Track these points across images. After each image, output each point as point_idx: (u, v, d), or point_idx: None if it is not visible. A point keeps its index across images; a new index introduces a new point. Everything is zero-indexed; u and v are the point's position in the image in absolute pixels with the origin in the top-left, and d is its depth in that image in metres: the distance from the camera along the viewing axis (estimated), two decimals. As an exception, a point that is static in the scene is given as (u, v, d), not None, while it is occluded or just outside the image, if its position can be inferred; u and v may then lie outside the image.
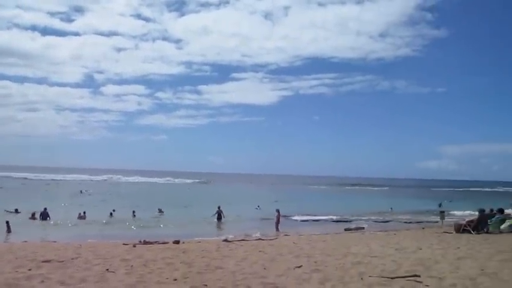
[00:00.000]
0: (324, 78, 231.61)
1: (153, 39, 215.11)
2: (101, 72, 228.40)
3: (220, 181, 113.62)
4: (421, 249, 13.64)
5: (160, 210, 32.61)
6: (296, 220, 30.12)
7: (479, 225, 18.68)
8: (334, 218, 31.02)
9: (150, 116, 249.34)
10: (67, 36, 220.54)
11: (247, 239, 18.71)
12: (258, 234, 20.97)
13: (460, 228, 19.01)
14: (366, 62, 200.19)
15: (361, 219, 30.33)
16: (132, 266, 10.60)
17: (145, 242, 15.99)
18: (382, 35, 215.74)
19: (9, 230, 21.47)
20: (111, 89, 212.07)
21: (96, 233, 21.50)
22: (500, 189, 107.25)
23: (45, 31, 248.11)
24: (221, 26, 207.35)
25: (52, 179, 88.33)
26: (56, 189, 60.41)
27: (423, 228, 24.13)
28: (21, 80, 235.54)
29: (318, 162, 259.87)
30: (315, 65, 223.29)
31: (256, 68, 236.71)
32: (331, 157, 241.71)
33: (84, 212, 28.08)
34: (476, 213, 20.18)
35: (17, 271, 9.62)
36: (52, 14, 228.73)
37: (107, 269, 9.99)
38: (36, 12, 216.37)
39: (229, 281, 8.95)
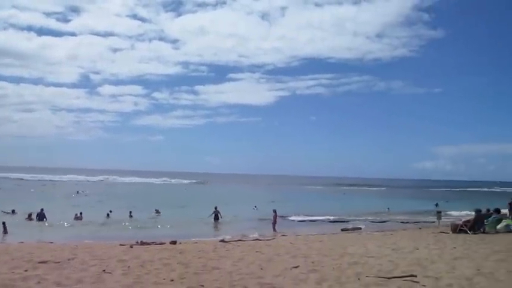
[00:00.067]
0: (321, 78, 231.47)
1: (150, 40, 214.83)
2: (97, 72, 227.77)
3: (217, 181, 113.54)
4: (417, 249, 13.67)
5: (157, 211, 32.56)
6: (293, 220, 30.12)
7: (476, 225, 18.75)
8: (331, 218, 31.03)
9: (146, 116, 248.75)
10: (63, 37, 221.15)
11: (244, 239, 18.72)
12: (255, 235, 20.98)
13: (457, 229, 19.06)
14: (363, 62, 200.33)
15: (358, 220, 30.34)
16: (129, 266, 10.58)
17: (142, 243, 15.96)
18: (379, 36, 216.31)
19: (5, 231, 21.43)
20: (107, 89, 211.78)
21: (93, 234, 21.46)
22: (497, 189, 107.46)
23: (41, 31, 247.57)
24: (218, 27, 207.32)
25: (48, 180, 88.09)
26: (52, 189, 60.25)
27: (420, 228, 24.19)
28: (17, 80, 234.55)
29: (315, 162, 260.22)
30: (312, 65, 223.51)
31: (253, 68, 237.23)
32: (328, 157, 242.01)
33: (81, 213, 28.01)
34: (473, 213, 20.25)
35: (13, 272, 9.59)
36: (48, 14, 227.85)
37: (104, 270, 9.97)
38: (32, 13, 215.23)
39: (226, 281, 8.95)
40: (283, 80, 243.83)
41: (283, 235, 21.10)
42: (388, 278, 8.98)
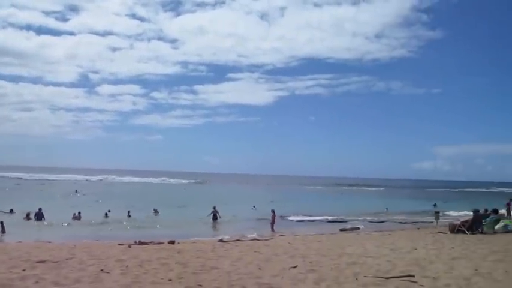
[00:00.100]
0: (320, 78, 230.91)
1: (149, 39, 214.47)
2: (96, 71, 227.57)
3: (216, 181, 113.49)
4: (416, 249, 13.70)
5: (155, 211, 32.53)
6: (291, 220, 30.13)
7: (474, 226, 18.80)
8: (330, 218, 31.04)
9: (145, 116, 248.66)
10: (62, 36, 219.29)
11: (242, 239, 18.72)
12: (253, 235, 20.97)
13: (455, 229, 19.11)
14: (362, 62, 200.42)
15: (356, 220, 30.36)
16: (127, 266, 10.58)
17: (141, 243, 15.93)
18: (378, 36, 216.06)
19: (3, 231, 21.38)
20: (106, 88, 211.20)
21: (91, 234, 21.41)
22: (495, 190, 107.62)
23: (40, 30, 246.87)
24: (217, 26, 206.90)
25: (47, 179, 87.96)
26: (50, 189, 60.14)
27: (418, 228, 24.23)
28: (16, 79, 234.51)
29: (314, 162, 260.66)
30: (311, 65, 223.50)
31: (252, 68, 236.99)
32: (327, 158, 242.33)
33: (79, 213, 27.97)
34: (471, 213, 20.29)
35: (11, 271, 9.57)
36: (47, 13, 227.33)
37: (102, 270, 9.97)
38: (31, 11, 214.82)
39: (225, 281, 8.95)
40: (282, 80, 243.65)
41: (282, 235, 21.10)
42: (386, 278, 8.99)
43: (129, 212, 30.34)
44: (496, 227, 18.69)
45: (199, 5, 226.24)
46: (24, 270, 9.78)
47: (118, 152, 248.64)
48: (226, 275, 9.57)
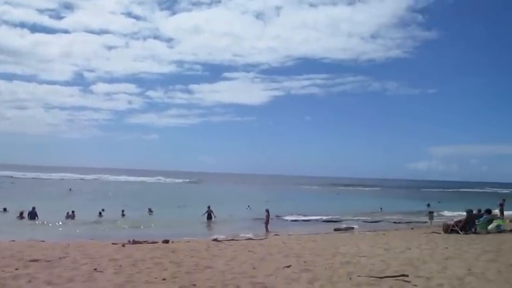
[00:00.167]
0: (316, 78, 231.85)
1: (144, 38, 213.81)
2: (91, 70, 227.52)
3: (212, 181, 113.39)
4: (409, 249, 13.73)
5: (150, 210, 32.45)
6: (286, 220, 30.14)
7: (467, 226, 18.87)
8: (324, 218, 31.08)
9: (141, 115, 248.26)
10: (57, 34, 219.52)
11: (236, 238, 18.71)
12: (248, 234, 20.97)
13: (448, 229, 19.17)
14: (357, 63, 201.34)
15: (351, 220, 30.41)
16: (120, 265, 10.55)
17: (135, 242, 15.90)
18: (373, 36, 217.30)
19: (-4, 229, 21.26)
20: (101, 87, 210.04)
21: (85, 233, 21.36)
22: (489, 190, 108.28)
23: (35, 28, 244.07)
24: (213, 25, 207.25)
25: (41, 178, 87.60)
26: (44, 188, 59.86)
27: (412, 228, 24.31)
28: (9, 77, 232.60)
29: (310, 162, 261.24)
30: (307, 65, 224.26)
31: (248, 67, 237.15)
32: (322, 157, 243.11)
33: (73, 211, 27.84)
34: (465, 213, 20.37)
35: (3, 270, 9.52)
36: (41, 11, 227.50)
37: (95, 269, 9.94)
38: (25, 9, 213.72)
39: (219, 280, 8.94)
40: (277, 79, 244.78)
41: (276, 235, 21.12)
42: (380, 278, 9.01)
43: (123, 211, 30.25)
44: (489, 227, 18.78)
45: (195, 4, 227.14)
46: (17, 269, 9.74)
47: (113, 151, 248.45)
48: (220, 275, 9.56)
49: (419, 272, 9.67)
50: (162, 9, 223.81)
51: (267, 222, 25.13)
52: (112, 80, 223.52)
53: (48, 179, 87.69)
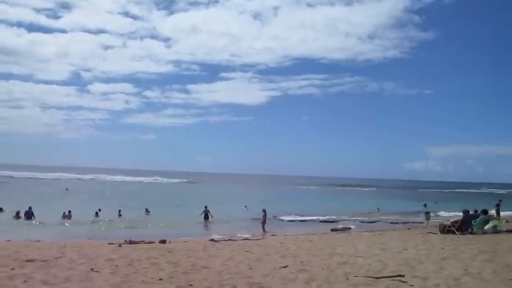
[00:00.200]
0: (313, 78, 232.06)
1: (141, 38, 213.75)
2: (88, 70, 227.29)
3: (209, 181, 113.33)
4: (406, 249, 13.76)
5: (146, 210, 32.38)
6: (283, 220, 30.12)
7: (464, 226, 18.92)
8: (321, 218, 31.08)
9: (138, 114, 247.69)
10: (53, 33, 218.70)
11: (233, 238, 18.70)
12: (245, 234, 20.96)
13: (445, 229, 19.21)
14: (355, 63, 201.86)
15: (348, 220, 30.45)
16: (117, 265, 10.53)
17: (131, 242, 15.88)
18: (371, 37, 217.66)
19: (-8, 229, 21.18)
20: (98, 87, 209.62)
21: (81, 233, 21.32)
22: (485, 190, 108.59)
23: (31, 27, 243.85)
24: (210, 25, 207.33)
25: (37, 178, 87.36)
26: (41, 188, 59.66)
27: (409, 228, 24.34)
28: (6, 76, 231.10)
29: (307, 162, 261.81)
30: (304, 65, 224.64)
31: (245, 67, 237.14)
32: (319, 158, 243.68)
33: (70, 211, 27.75)
34: (461, 214, 20.42)
35: (-1, 270, 9.49)
36: (38, 11, 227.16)
37: (92, 269, 9.92)
38: (22, 8, 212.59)
39: (215, 280, 8.94)
40: (275, 79, 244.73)
41: (273, 235, 21.12)
42: (377, 278, 9.02)
43: (119, 211, 30.18)
44: (486, 227, 18.84)
45: (192, 3, 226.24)
46: (12, 269, 9.71)
47: (110, 151, 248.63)
48: (217, 275, 9.55)
49: (415, 272, 9.69)
50: (159, 9, 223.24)
51: (263, 223, 25.12)
52: (109, 80, 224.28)
53: (44, 178, 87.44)
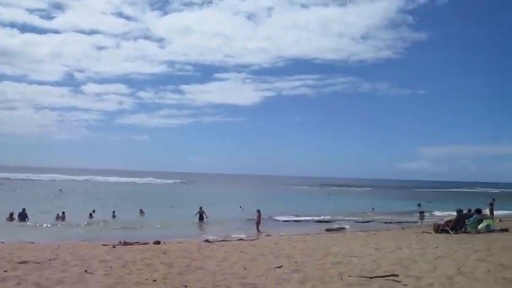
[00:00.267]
0: (307, 79, 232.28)
1: (135, 38, 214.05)
2: (81, 70, 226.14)
3: (203, 181, 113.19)
4: (400, 249, 13.80)
5: (141, 211, 32.27)
6: (278, 220, 30.14)
7: (457, 225, 19.01)
8: (316, 218, 31.13)
9: (131, 115, 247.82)
10: (47, 34, 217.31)
11: (228, 239, 18.68)
12: (239, 235, 20.95)
13: (439, 228, 19.30)
14: (348, 63, 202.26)
15: (342, 220, 30.51)
16: (111, 267, 10.49)
17: (125, 243, 15.82)
18: (364, 37, 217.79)
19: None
20: (91, 87, 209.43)
21: (75, 234, 21.23)
22: (479, 190, 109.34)
23: (25, 28, 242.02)
24: (204, 26, 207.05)
25: (31, 179, 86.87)
26: (35, 189, 59.34)
27: (403, 228, 24.43)
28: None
29: (301, 163, 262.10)
30: (298, 66, 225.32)
31: (239, 68, 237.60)
32: (313, 158, 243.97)
33: (63, 213, 27.62)
34: (455, 213, 20.51)
35: (-8, 273, 9.42)
36: (31, 11, 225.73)
37: (85, 270, 9.88)
38: (15, 9, 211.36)
39: (210, 281, 8.93)
40: (268, 80, 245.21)
41: (268, 235, 21.11)
42: (371, 278, 9.05)
43: (114, 212, 30.10)
44: (479, 226, 18.93)
45: (186, 4, 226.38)
46: (5, 271, 9.65)
47: (104, 152, 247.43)
48: (211, 276, 9.54)
49: (409, 271, 9.72)
50: (153, 10, 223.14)
51: (258, 223, 25.12)
52: (102, 81, 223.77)
53: (38, 180, 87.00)
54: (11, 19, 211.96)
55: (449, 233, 18.57)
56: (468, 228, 18.89)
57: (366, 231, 23.14)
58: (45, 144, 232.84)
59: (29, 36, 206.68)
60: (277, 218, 31.04)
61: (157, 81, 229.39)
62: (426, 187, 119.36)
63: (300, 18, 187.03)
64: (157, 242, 16.14)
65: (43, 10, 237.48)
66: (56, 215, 27.39)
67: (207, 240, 17.48)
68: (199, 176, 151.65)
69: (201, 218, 28.19)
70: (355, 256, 12.26)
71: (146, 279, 9.10)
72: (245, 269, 10.34)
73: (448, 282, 8.58)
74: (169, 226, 25.28)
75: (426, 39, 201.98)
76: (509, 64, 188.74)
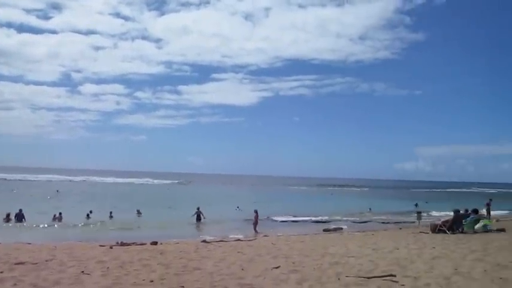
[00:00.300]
0: (304, 79, 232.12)
1: (133, 38, 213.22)
2: (78, 71, 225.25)
3: (200, 182, 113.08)
4: (397, 249, 13.82)
5: (138, 212, 32.23)
6: (275, 221, 30.13)
7: (454, 226, 19.03)
8: (314, 218, 31.14)
9: (129, 115, 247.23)
10: (44, 34, 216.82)
11: (225, 239, 18.67)
12: (237, 235, 20.94)
13: (436, 229, 19.32)
14: (346, 64, 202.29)
15: (340, 220, 30.53)
16: (108, 267, 10.47)
17: (122, 244, 15.78)
18: (362, 38, 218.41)
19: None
20: (89, 88, 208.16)
21: (72, 235, 21.17)
22: (476, 190, 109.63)
23: (21, 28, 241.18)
24: (201, 26, 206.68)
25: (28, 179, 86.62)
26: (32, 189, 59.17)
27: (400, 228, 24.47)
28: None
29: (299, 163, 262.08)
30: (295, 66, 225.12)
31: (237, 68, 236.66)
32: (311, 158, 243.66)
33: (60, 213, 27.55)
34: (452, 213, 20.55)
35: (-12, 274, 9.39)
36: (28, 11, 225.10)
37: (82, 271, 9.85)
38: (12, 9, 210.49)
39: (207, 282, 8.92)
40: (266, 80, 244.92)
41: (265, 235, 21.12)
42: (368, 278, 9.05)
43: (111, 212, 30.04)
44: (476, 226, 18.95)
45: (183, 4, 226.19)
46: (2, 272, 9.62)
47: (101, 152, 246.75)
48: (208, 276, 9.53)
49: (407, 271, 9.73)
50: (150, 10, 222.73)
51: (255, 223, 25.10)
52: (100, 81, 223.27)
53: (35, 180, 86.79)
54: (8, 19, 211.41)
55: (446, 233, 18.60)
56: (465, 229, 18.91)
57: (364, 231, 23.16)
58: (42, 145, 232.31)
59: (26, 37, 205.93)
60: (275, 218, 31.03)
61: (155, 82, 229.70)
62: (423, 187, 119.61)
63: (297, 18, 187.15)
64: (155, 243, 16.11)
65: (40, 10, 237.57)
66: (52, 216, 27.32)
67: (204, 241, 17.46)
68: (196, 177, 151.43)
69: (198, 219, 28.18)
70: (352, 256, 12.27)
71: (143, 280, 9.08)
72: (242, 269, 10.33)
73: (445, 282, 8.59)
74: (166, 227, 25.26)
75: (424, 39, 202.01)
76: (506, 64, 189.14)
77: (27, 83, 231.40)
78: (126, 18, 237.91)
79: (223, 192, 70.45)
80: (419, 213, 27.64)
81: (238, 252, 13.68)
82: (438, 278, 8.99)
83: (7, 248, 14.53)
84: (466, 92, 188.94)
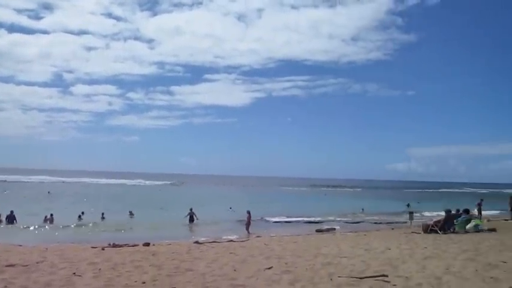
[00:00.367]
0: (297, 80, 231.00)
1: (125, 39, 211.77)
2: (70, 71, 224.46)
3: (193, 183, 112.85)
4: (389, 249, 13.86)
5: (130, 213, 32.11)
6: (268, 221, 30.13)
7: (446, 226, 19.15)
8: (306, 219, 31.18)
9: (121, 116, 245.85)
10: (35, 34, 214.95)
11: (218, 240, 18.63)
12: (229, 236, 20.91)
13: (428, 229, 19.43)
14: (338, 65, 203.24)
15: (332, 221, 30.60)
16: (100, 269, 10.41)
17: (114, 245, 15.73)
18: (354, 39, 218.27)
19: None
20: (80, 88, 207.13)
21: (64, 236, 21.05)
22: (467, 190, 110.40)
23: (13, 28, 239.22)
24: (194, 27, 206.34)
25: (20, 181, 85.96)
26: (23, 191, 58.73)
27: (392, 228, 24.57)
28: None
29: (292, 163, 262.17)
30: (288, 67, 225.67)
31: (229, 69, 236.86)
32: (304, 159, 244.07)
33: (52, 215, 27.37)
34: (443, 213, 20.67)
35: (-22, 276, 9.30)
36: (19, 11, 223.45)
37: (74, 273, 9.79)
38: (3, 9, 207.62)
39: (199, 283, 8.90)
40: (259, 81, 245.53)
41: (258, 236, 21.11)
42: (360, 278, 9.08)
43: (103, 214, 29.90)
44: (467, 226, 19.09)
45: (176, 5, 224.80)
46: (-8, 274, 9.53)
47: (93, 153, 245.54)
48: (201, 277, 9.51)
49: (398, 271, 9.77)
50: (142, 10, 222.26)
51: (248, 224, 25.08)
52: (92, 82, 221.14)
53: (27, 181, 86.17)
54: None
55: (438, 233, 18.70)
56: (456, 228, 19.04)
57: (356, 231, 23.23)
58: (33, 146, 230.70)
59: (17, 37, 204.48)
60: (268, 218, 31.03)
61: (147, 82, 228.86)
62: (415, 187, 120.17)
63: (290, 19, 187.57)
64: (147, 244, 16.07)
65: (31, 10, 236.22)
66: (44, 217, 27.15)
67: (196, 242, 17.42)
68: (189, 177, 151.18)
69: (191, 220, 28.11)
70: (345, 257, 12.29)
71: (135, 282, 9.04)
72: (235, 270, 10.32)
73: (437, 282, 8.64)
74: (158, 228, 25.18)
75: (416, 40, 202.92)
76: (497, 65, 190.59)
77: (18, 83, 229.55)
78: (118, 19, 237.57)
79: (216, 193, 70.36)
80: (411, 213, 27.80)
81: (231, 253, 13.66)
82: (430, 277, 9.04)
83: (-3, 250, 14.40)
84: (459, 92, 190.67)
